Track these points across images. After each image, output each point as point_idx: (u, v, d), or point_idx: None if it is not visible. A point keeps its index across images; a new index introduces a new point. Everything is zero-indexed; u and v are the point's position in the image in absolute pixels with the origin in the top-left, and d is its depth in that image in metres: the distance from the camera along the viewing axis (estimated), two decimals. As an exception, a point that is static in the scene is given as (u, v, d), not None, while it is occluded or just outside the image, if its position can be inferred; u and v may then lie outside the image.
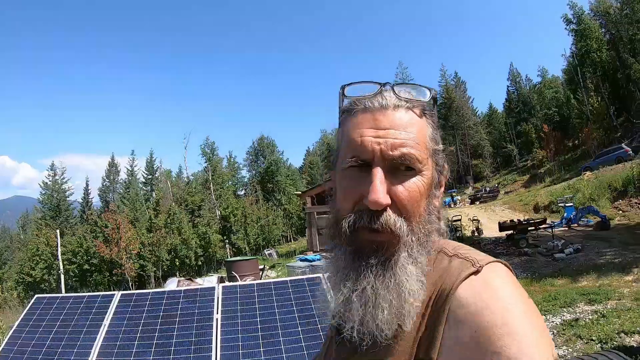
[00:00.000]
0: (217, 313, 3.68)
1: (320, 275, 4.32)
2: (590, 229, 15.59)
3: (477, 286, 0.64)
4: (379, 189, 0.66)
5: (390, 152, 0.69)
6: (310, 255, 18.01)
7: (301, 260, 16.19)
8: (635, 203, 16.82)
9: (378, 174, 0.67)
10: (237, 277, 11.59)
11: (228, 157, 63.54)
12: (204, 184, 53.86)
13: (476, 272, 0.66)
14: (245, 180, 65.85)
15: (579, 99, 40.19)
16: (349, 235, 0.70)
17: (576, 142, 41.70)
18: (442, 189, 0.79)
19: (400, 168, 0.69)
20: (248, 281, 8.49)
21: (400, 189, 0.69)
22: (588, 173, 24.16)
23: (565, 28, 41.02)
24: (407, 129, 0.70)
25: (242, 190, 64.32)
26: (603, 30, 38.16)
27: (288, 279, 4.40)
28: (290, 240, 50.55)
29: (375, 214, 0.68)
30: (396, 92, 0.73)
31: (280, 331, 3.53)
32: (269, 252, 30.27)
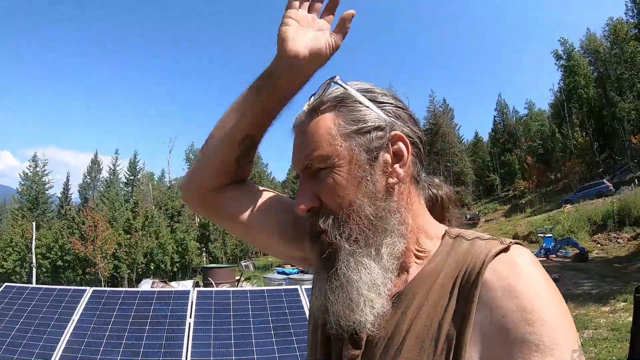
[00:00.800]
0: (190, 317, 3.60)
1: (297, 287, 4.27)
2: (568, 260, 15.78)
3: (504, 267, 0.62)
4: (298, 199, 0.73)
5: (299, 164, 0.75)
6: (288, 268, 17.88)
7: (279, 272, 16.11)
8: (614, 237, 17.13)
9: (299, 185, 0.75)
10: (213, 283, 11.43)
11: (212, 165, 63.38)
12: (186, 190, 53.38)
13: (505, 249, 0.65)
14: (228, 190, 65.58)
15: (563, 133, 41.09)
16: (313, 240, 0.74)
17: (558, 175, 42.47)
18: (404, 160, 0.72)
19: (317, 171, 0.72)
20: (223, 288, 8.39)
21: (321, 189, 0.71)
22: (569, 206, 24.54)
23: (555, 63, 42.02)
24: (305, 137, 0.74)
25: (223, 199, 63.92)
26: (592, 67, 39.17)
27: (265, 288, 4.33)
28: (268, 254, 50.21)
29: (310, 218, 0.73)
30: (303, 110, 0.78)
31: (253, 340, 3.46)
32: (245, 263, 29.96)
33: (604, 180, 27.92)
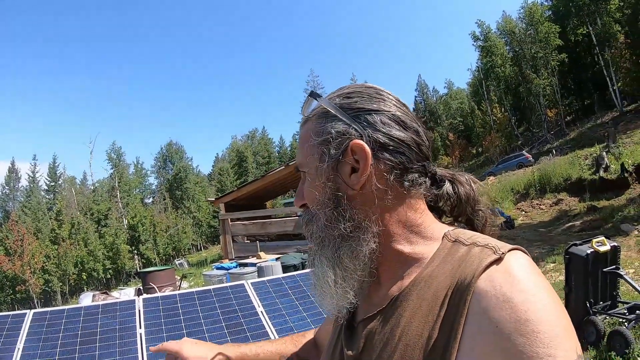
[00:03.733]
0: (140, 327, 3.52)
1: (244, 282, 4.27)
2: (495, 228, 16.64)
3: (499, 276, 0.58)
4: (295, 197, 0.84)
5: (297, 166, 0.82)
6: (226, 263, 17.43)
7: (217, 268, 15.57)
8: (537, 204, 18.14)
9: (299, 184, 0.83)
10: (156, 288, 11.11)
11: (135, 163, 61.20)
12: (110, 191, 51.19)
13: (498, 260, 0.61)
14: (154, 187, 63.74)
15: (482, 109, 43.23)
16: None
17: (480, 149, 44.63)
18: (360, 170, 0.71)
19: (304, 174, 0.80)
20: (168, 292, 8.18)
21: (303, 190, 0.81)
22: (492, 178, 25.53)
23: (473, 44, 43.36)
24: (298, 144, 0.83)
25: (149, 198, 62.11)
26: (508, 47, 40.90)
27: (211, 287, 4.28)
28: (201, 249, 49.39)
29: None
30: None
31: (208, 342, 3.46)
32: (179, 261, 28.81)
33: (524, 152, 29.24)
